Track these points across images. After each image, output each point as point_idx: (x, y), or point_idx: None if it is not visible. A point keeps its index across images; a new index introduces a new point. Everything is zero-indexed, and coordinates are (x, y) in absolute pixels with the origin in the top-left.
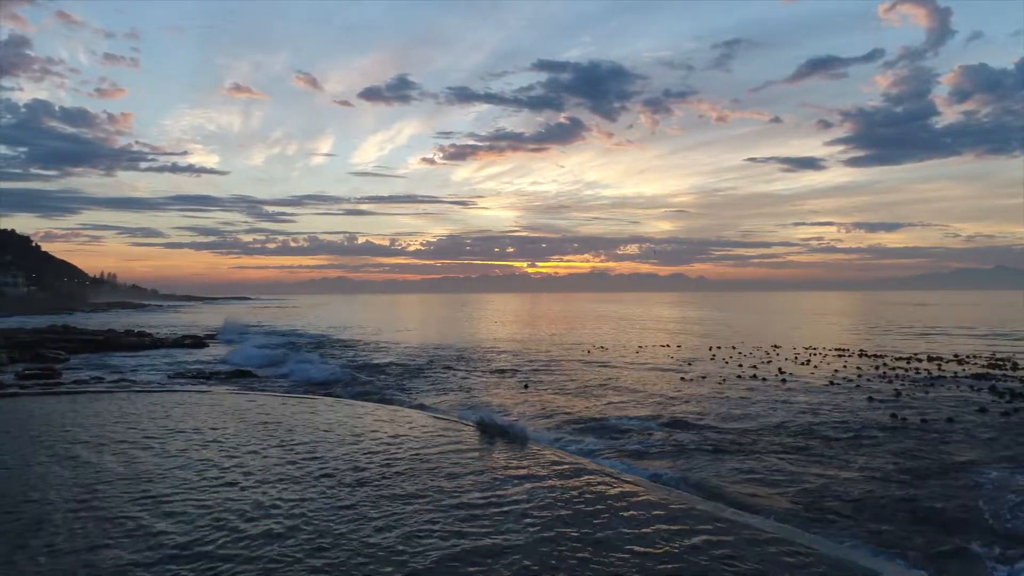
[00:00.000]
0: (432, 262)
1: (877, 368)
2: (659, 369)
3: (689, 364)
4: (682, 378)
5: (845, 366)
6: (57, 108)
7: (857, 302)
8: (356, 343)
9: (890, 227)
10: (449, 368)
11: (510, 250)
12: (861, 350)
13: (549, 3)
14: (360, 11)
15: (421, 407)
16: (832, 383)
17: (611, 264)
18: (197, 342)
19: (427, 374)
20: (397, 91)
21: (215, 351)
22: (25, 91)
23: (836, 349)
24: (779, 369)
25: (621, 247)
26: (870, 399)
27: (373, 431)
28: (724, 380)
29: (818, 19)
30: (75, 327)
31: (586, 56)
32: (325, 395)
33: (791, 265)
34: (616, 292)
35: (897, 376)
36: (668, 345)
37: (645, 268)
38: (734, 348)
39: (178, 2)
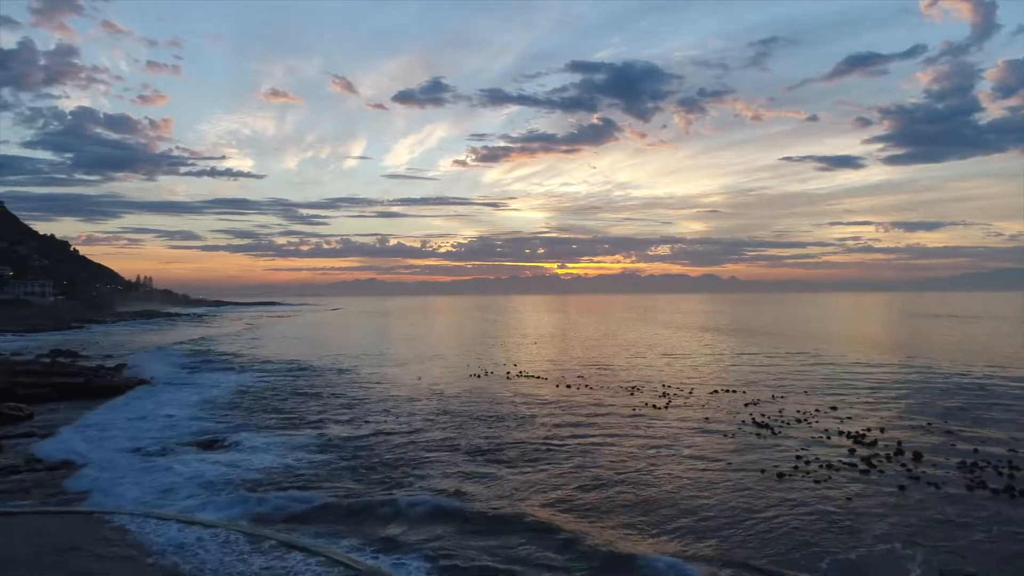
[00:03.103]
0: (463, 264)
1: None
2: (742, 447)
3: (773, 431)
4: (763, 471)
5: (984, 443)
6: (101, 115)
7: (908, 306)
8: (363, 387)
9: (930, 226)
10: (476, 452)
11: (540, 251)
12: (991, 404)
13: (577, 4)
14: (391, 15)
15: None
16: (980, 482)
17: (642, 265)
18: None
19: (433, 465)
20: (430, 94)
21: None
22: (71, 99)
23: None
24: (898, 446)
25: (652, 248)
26: None
27: None
28: (826, 474)
29: (857, 15)
30: (71, 356)
31: (618, 56)
32: None
33: (826, 265)
34: (647, 293)
35: None
36: (738, 391)
37: (676, 269)
38: (829, 398)
39: (217, 10)
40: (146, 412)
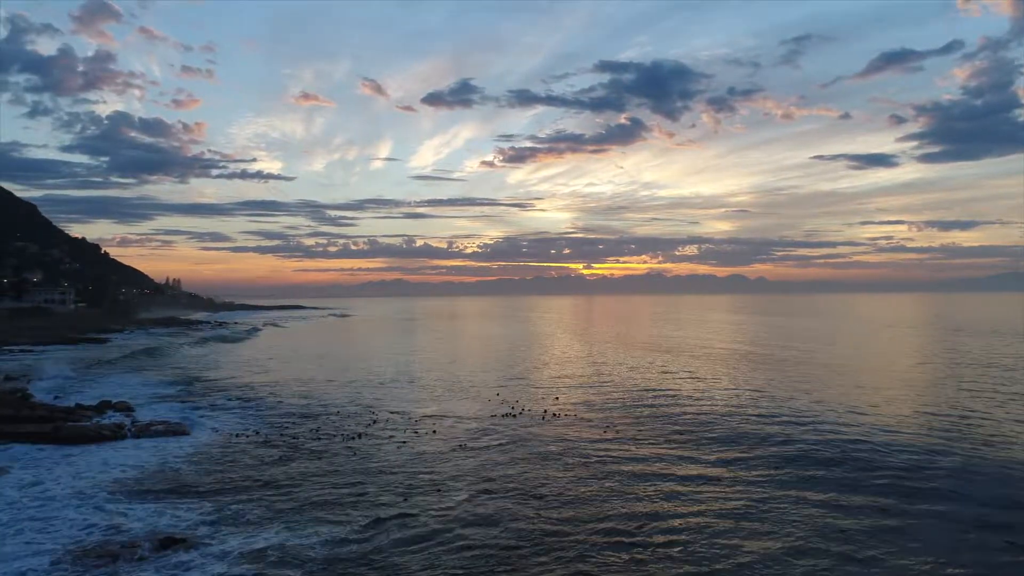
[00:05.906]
0: (489, 264)
1: None
2: (864, 543)
3: (898, 525)
4: None
5: None
6: (136, 119)
7: (950, 312)
8: (381, 440)
9: (965, 225)
10: (526, 557)
11: (566, 251)
12: None
13: (606, 3)
14: (420, 17)
15: None
16: None
17: (668, 265)
18: (180, 430)
19: None
20: (459, 95)
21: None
22: (108, 104)
23: None
24: None
25: (679, 248)
26: None
27: None
28: None
29: (892, 12)
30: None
31: (647, 56)
32: None
33: (857, 265)
34: (673, 294)
35: None
36: (819, 441)
37: (703, 269)
38: (945, 462)
39: (249, 14)
40: (77, 488)
